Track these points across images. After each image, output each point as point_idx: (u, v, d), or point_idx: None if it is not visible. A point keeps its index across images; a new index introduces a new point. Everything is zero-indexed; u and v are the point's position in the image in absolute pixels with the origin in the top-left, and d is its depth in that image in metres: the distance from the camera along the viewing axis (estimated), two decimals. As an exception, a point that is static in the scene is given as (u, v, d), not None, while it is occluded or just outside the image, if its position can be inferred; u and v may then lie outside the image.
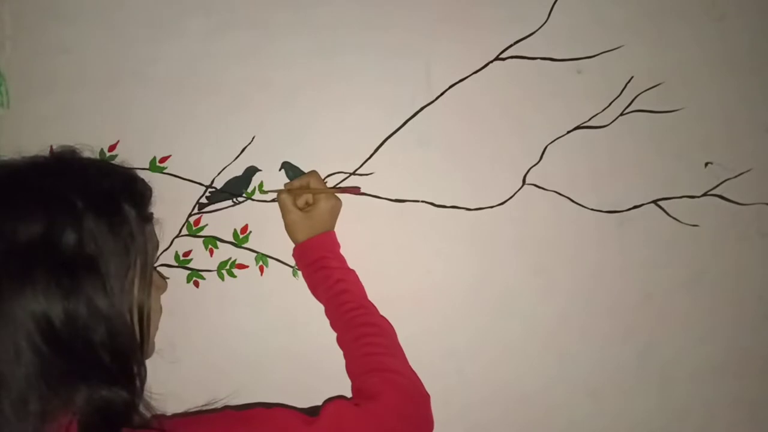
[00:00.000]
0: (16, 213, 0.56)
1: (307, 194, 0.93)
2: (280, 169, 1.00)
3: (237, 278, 0.99)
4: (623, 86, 0.99)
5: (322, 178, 0.99)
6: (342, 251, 0.96)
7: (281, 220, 0.97)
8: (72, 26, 0.99)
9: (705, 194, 1.00)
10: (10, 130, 1.00)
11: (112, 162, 0.67)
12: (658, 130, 1.00)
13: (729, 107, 1.00)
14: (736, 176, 1.00)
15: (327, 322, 1.00)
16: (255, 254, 1.00)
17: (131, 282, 0.60)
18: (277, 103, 0.99)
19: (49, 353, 0.54)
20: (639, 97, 0.99)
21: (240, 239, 0.99)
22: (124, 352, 0.59)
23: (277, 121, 0.99)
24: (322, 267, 0.90)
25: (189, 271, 0.99)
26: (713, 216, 1.00)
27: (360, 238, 0.96)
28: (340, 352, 0.99)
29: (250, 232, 1.00)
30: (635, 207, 1.00)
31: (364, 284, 0.94)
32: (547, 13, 0.98)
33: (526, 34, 0.98)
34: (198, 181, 1.00)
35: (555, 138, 0.99)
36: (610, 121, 0.99)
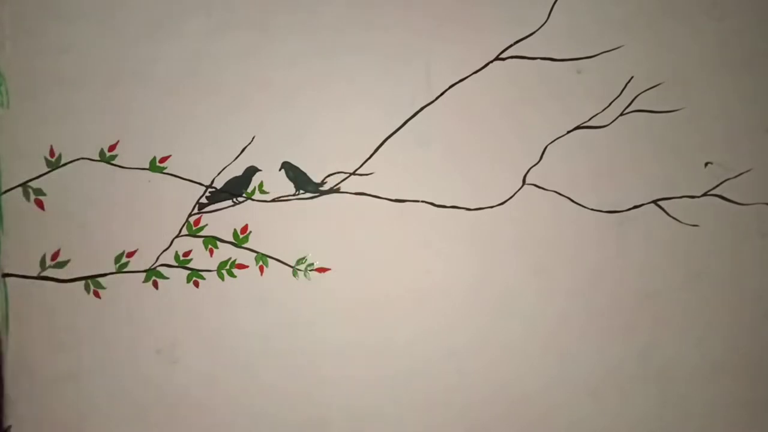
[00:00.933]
0: None
1: None
2: (280, 169, 1.00)
3: (237, 278, 0.99)
4: (623, 86, 0.99)
5: (322, 178, 0.99)
6: (342, 251, 0.96)
7: (281, 220, 0.97)
8: (72, 26, 0.99)
9: (705, 194, 1.00)
10: (10, 130, 1.00)
11: None
12: (658, 130, 1.00)
13: (729, 107, 1.00)
14: (736, 176, 1.00)
15: (327, 322, 1.00)
16: (255, 254, 1.00)
17: None
18: (277, 103, 0.99)
19: None
20: (639, 97, 0.99)
21: (240, 239, 0.99)
22: None
23: (277, 121, 0.99)
24: None
25: (189, 271, 0.99)
26: (713, 216, 1.00)
27: (360, 238, 0.96)
28: (340, 353, 1.00)
29: (250, 232, 1.00)
30: (635, 207, 1.00)
31: (363, 284, 0.94)
32: (547, 13, 0.98)
33: (526, 34, 0.98)
34: (198, 181, 1.00)
35: (555, 138, 0.99)
36: (610, 121, 0.99)
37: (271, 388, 0.99)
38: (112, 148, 0.99)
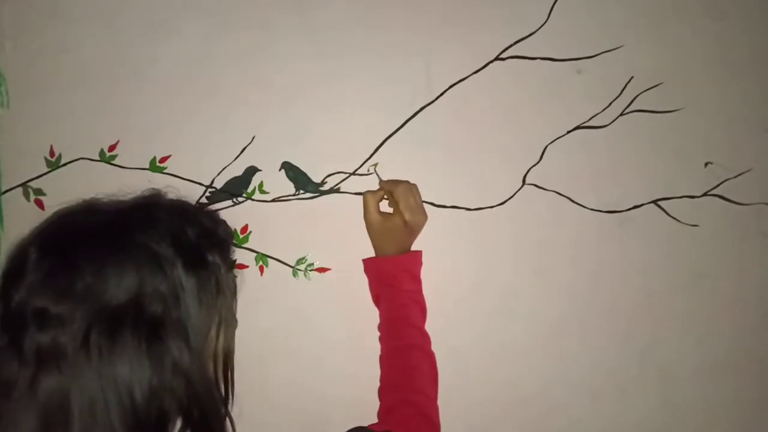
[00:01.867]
0: (105, 272, 0.53)
1: (388, 195, 0.93)
2: (280, 169, 1.00)
3: (237, 278, 0.99)
4: (623, 86, 0.99)
5: (322, 178, 0.99)
6: (342, 251, 0.96)
7: (281, 220, 0.97)
8: (72, 26, 0.99)
9: (705, 194, 1.00)
10: (10, 130, 1.00)
11: (192, 204, 0.64)
12: (658, 130, 1.00)
13: (729, 107, 1.00)
14: (736, 176, 1.00)
15: (326, 322, 1.00)
16: (255, 254, 1.00)
17: (216, 335, 0.59)
18: (277, 103, 0.99)
19: (128, 423, 0.52)
20: (639, 97, 0.99)
21: (240, 239, 0.99)
22: (204, 411, 0.56)
23: (277, 121, 0.99)
24: (392, 285, 0.90)
25: (189, 271, 0.99)
26: (713, 216, 1.00)
27: (360, 238, 0.95)
28: (340, 353, 1.00)
29: (250, 232, 1.00)
30: (635, 207, 1.00)
31: (363, 284, 0.94)
32: (547, 13, 0.98)
33: (526, 34, 0.98)
34: (198, 181, 1.00)
35: (555, 138, 0.99)
36: (610, 121, 0.99)
37: (271, 388, 0.99)
38: (112, 148, 0.99)
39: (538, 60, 0.99)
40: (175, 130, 1.00)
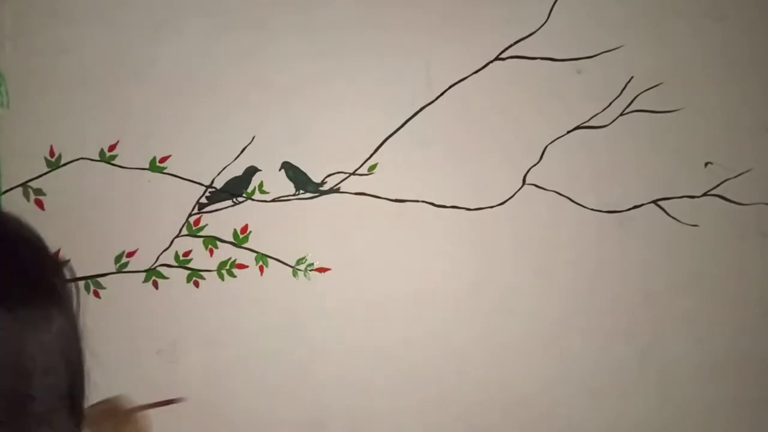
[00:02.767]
0: None
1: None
2: (280, 169, 0.99)
3: (237, 278, 0.99)
4: (623, 86, 0.99)
5: (322, 178, 0.99)
6: (342, 251, 0.96)
7: (281, 220, 0.97)
8: (72, 26, 0.99)
9: (705, 194, 1.00)
10: (10, 130, 1.00)
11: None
12: (658, 130, 1.00)
13: (729, 107, 1.00)
14: (736, 176, 1.00)
15: (326, 321, 1.00)
16: (255, 254, 1.00)
17: None
18: (277, 103, 0.99)
19: None
20: (639, 97, 0.99)
21: (240, 239, 0.99)
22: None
23: (277, 121, 0.99)
24: None
25: (189, 271, 0.99)
26: (713, 216, 1.00)
27: (360, 238, 0.95)
28: (339, 353, 1.00)
29: (250, 232, 1.00)
30: (635, 207, 1.00)
31: (363, 284, 0.94)
32: (547, 13, 0.98)
33: (526, 34, 0.98)
34: (198, 181, 1.00)
35: (555, 138, 0.99)
36: (610, 121, 0.99)
37: (271, 387, 0.99)
38: (112, 148, 0.99)
39: (538, 60, 0.99)
40: (175, 130, 0.99)
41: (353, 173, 0.99)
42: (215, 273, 0.99)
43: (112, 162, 0.99)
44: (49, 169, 1.00)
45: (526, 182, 1.00)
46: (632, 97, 0.99)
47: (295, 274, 1.00)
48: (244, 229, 1.00)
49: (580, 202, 1.00)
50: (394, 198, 0.99)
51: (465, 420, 0.99)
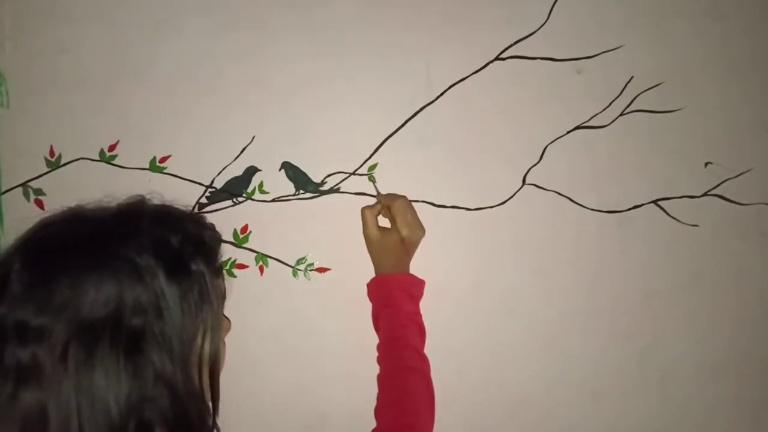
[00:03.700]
0: (84, 285, 0.52)
1: (385, 210, 0.93)
2: (280, 169, 1.00)
3: (237, 278, 0.99)
4: (623, 86, 0.99)
5: (322, 178, 0.99)
6: (342, 251, 0.96)
7: (281, 220, 0.97)
8: (72, 26, 0.99)
9: (705, 194, 1.00)
10: (10, 130, 1.00)
11: (177, 209, 0.63)
12: (658, 130, 1.00)
13: (729, 107, 1.00)
14: (736, 176, 1.00)
15: (326, 322, 1.00)
16: (255, 254, 1.00)
17: (201, 342, 0.58)
18: (277, 103, 0.99)
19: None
20: (639, 97, 0.99)
21: (240, 239, 0.99)
22: (190, 421, 0.55)
23: (277, 121, 0.99)
24: (390, 306, 0.89)
25: (189, 271, 0.99)
26: (713, 216, 1.00)
27: (360, 238, 0.95)
28: (340, 353, 1.00)
29: (250, 232, 1.00)
30: (635, 207, 1.00)
31: (363, 284, 0.94)
32: (547, 13, 0.98)
33: (526, 34, 0.98)
34: (198, 181, 1.00)
35: (555, 138, 0.99)
36: (610, 121, 0.99)
37: (271, 387, 0.99)
38: (112, 148, 0.99)
39: (538, 60, 0.99)
40: (175, 130, 1.00)
41: (353, 173, 0.99)
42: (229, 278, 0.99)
43: (112, 162, 0.99)
44: (49, 169, 1.00)
45: (526, 182, 1.00)
46: (632, 97, 0.99)
47: (295, 274, 1.00)
48: (244, 229, 1.00)
49: (580, 202, 1.00)
50: (394, 198, 0.99)
51: (465, 420, 0.99)
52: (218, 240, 0.64)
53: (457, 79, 0.99)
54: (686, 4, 0.99)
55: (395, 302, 0.89)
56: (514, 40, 0.98)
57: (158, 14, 0.99)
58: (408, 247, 0.91)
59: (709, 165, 1.00)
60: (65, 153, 1.00)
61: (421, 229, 0.92)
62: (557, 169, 0.99)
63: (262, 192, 1.00)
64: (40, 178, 1.00)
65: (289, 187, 1.00)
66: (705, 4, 0.99)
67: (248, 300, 1.00)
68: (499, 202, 1.00)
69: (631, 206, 1.00)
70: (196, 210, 1.00)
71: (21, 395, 0.51)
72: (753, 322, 1.01)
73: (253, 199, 1.00)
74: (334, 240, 0.98)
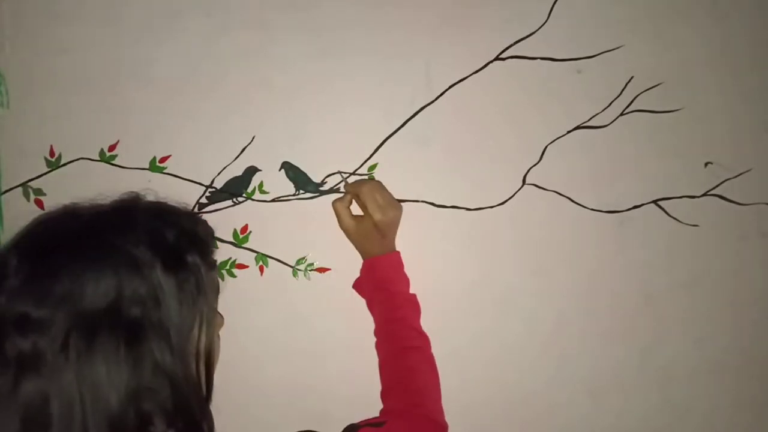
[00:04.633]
0: (83, 276, 0.54)
1: (354, 198, 0.94)
2: (280, 169, 1.00)
3: (237, 278, 0.99)
4: (623, 86, 0.99)
5: (322, 178, 0.99)
6: (342, 251, 0.96)
7: (281, 220, 0.97)
8: (72, 26, 0.99)
9: (705, 194, 1.00)
10: (10, 130, 1.00)
11: (171, 205, 0.64)
12: (658, 130, 1.00)
13: (729, 107, 1.00)
14: (736, 176, 1.00)
15: (326, 322, 1.00)
16: (255, 254, 1.00)
17: (197, 334, 0.59)
18: (277, 103, 0.99)
19: (108, 425, 0.53)
20: (639, 97, 0.99)
21: (240, 239, 0.99)
22: (189, 411, 0.57)
23: (277, 121, 0.99)
24: (385, 288, 0.91)
25: (189, 271, 0.99)
26: (713, 216, 1.00)
27: (360, 238, 0.95)
28: (339, 352, 1.00)
29: (250, 232, 1.00)
30: (635, 207, 1.00)
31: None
32: (547, 13, 0.98)
33: (526, 34, 0.98)
34: (198, 181, 1.00)
35: (555, 138, 0.99)
36: (610, 121, 0.99)
37: (271, 387, 0.99)
38: (112, 148, 0.99)
39: (538, 60, 0.99)
40: (175, 130, 1.00)
41: (353, 173, 0.99)
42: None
43: (112, 162, 0.99)
44: (49, 169, 1.00)
45: (526, 182, 1.00)
46: (632, 97, 0.99)
47: (295, 274, 1.00)
48: (244, 229, 1.00)
49: (580, 202, 1.00)
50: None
51: (465, 420, 0.99)
52: (212, 234, 0.66)
53: (457, 79, 0.99)
54: (686, 4, 0.99)
55: (388, 283, 0.91)
56: (514, 40, 0.98)
57: (158, 14, 0.99)
58: (384, 230, 0.91)
59: (709, 165, 1.00)
60: (65, 153, 1.00)
61: (395, 208, 0.92)
62: (557, 169, 0.99)
63: (262, 192, 1.00)
64: (40, 178, 1.00)
65: (289, 187, 1.00)
66: (705, 4, 0.99)
67: (248, 300, 1.00)
68: (499, 202, 1.00)
69: (631, 206, 1.00)
70: (196, 210, 1.00)
71: (23, 385, 0.52)
72: (753, 322, 1.01)
73: (253, 199, 1.00)
74: (334, 240, 0.98)
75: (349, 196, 0.94)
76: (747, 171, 1.00)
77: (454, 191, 1.00)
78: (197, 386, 0.60)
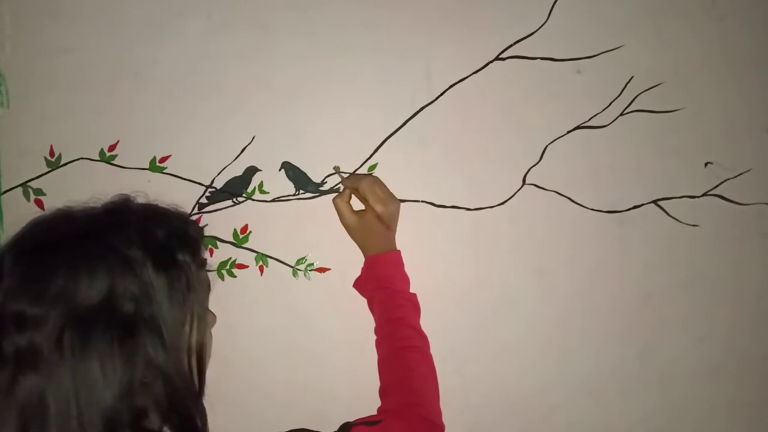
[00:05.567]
0: (77, 274, 0.55)
1: (354, 193, 0.94)
2: (280, 169, 1.00)
3: (237, 278, 0.99)
4: (623, 86, 0.99)
5: (322, 178, 0.99)
6: (342, 251, 0.96)
7: (281, 220, 0.97)
8: (72, 26, 0.99)
9: (705, 194, 1.00)
10: (10, 130, 1.00)
11: (162, 206, 0.66)
12: (658, 130, 1.00)
13: (729, 107, 1.00)
14: (736, 176, 1.00)
15: (326, 321, 1.00)
16: (255, 254, 1.00)
17: (189, 330, 0.61)
18: (277, 103, 0.99)
19: (103, 420, 0.54)
20: (639, 97, 0.99)
21: (240, 239, 0.99)
22: (183, 405, 0.59)
23: (277, 121, 0.99)
24: (386, 287, 0.91)
25: (189, 271, 0.99)
26: (713, 216, 1.00)
27: (360, 238, 0.95)
28: (339, 352, 1.00)
29: (250, 232, 1.00)
30: (635, 207, 1.00)
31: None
32: (547, 13, 0.98)
33: (526, 34, 0.98)
34: (198, 181, 1.00)
35: (555, 138, 0.99)
36: (610, 121, 0.99)
37: (271, 387, 0.99)
38: (112, 148, 0.99)
39: (538, 60, 0.99)
40: (175, 130, 1.00)
41: (353, 173, 0.99)
42: (215, 273, 0.99)
43: (112, 162, 0.99)
44: (49, 169, 1.00)
45: (526, 182, 1.00)
46: (632, 97, 0.99)
47: (295, 274, 1.00)
48: (244, 229, 1.00)
49: (580, 202, 1.00)
50: (394, 198, 0.99)
51: (465, 420, 0.99)
52: (202, 234, 0.69)
53: (457, 79, 0.99)
54: (686, 4, 0.99)
55: (389, 282, 0.91)
56: (514, 40, 0.98)
57: (158, 14, 0.99)
58: (387, 222, 0.92)
59: (709, 165, 1.00)
60: (65, 153, 1.00)
61: (395, 201, 0.93)
62: (557, 169, 0.99)
63: (262, 192, 1.00)
64: (40, 178, 1.00)
65: (289, 187, 1.00)
66: (705, 4, 0.99)
67: (248, 300, 1.00)
68: (499, 202, 1.00)
69: (631, 206, 1.00)
70: (196, 210, 1.00)
71: (20, 381, 0.53)
72: (753, 322, 1.01)
73: (253, 199, 1.00)
74: (334, 240, 0.98)
75: (348, 191, 0.94)
76: (747, 171, 1.00)
77: (454, 191, 1.00)
78: (190, 381, 0.61)
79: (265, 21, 0.99)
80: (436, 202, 1.00)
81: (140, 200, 0.66)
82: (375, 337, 0.90)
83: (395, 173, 0.99)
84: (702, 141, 1.00)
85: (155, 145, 0.99)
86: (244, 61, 0.99)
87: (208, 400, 0.63)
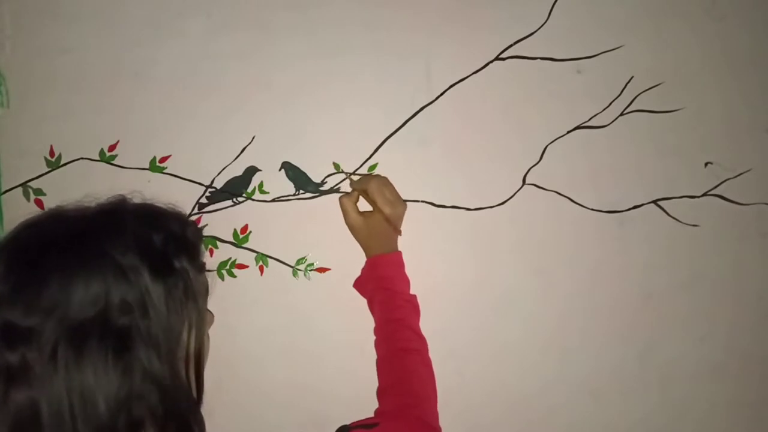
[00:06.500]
0: (71, 284, 0.53)
1: (362, 194, 0.94)
2: (280, 169, 1.00)
3: (237, 278, 0.99)
4: (623, 86, 0.99)
5: (322, 178, 0.99)
6: (342, 251, 0.96)
7: (281, 220, 0.97)
8: (72, 26, 0.99)
9: (705, 194, 1.00)
10: (10, 130, 1.00)
11: (159, 207, 0.63)
12: (658, 130, 1.00)
13: (729, 107, 1.00)
14: (736, 176, 1.00)
15: (326, 322, 1.00)
16: (255, 254, 1.00)
17: (186, 336, 0.59)
18: (277, 103, 0.99)
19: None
20: (639, 97, 0.99)
21: (240, 239, 0.99)
22: (180, 416, 0.57)
23: (277, 121, 0.99)
24: (386, 288, 0.91)
25: (189, 271, 0.99)
26: (713, 216, 1.00)
27: (360, 238, 0.95)
28: (339, 352, 1.00)
29: (250, 232, 1.00)
30: (635, 207, 1.00)
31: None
32: (547, 13, 0.98)
33: (526, 34, 0.98)
34: (198, 181, 1.00)
35: (555, 138, 0.99)
36: (610, 121, 0.99)
37: (271, 387, 0.99)
38: (112, 148, 0.99)
39: (538, 60, 0.99)
40: (175, 130, 1.00)
41: (353, 173, 0.99)
42: (215, 273, 0.99)
43: (112, 162, 0.99)
44: (49, 169, 1.00)
45: (526, 182, 1.00)
46: (632, 97, 0.99)
47: (295, 274, 1.00)
48: (244, 229, 1.00)
49: (580, 202, 1.00)
50: (394, 198, 0.99)
51: (465, 420, 0.99)
52: (200, 237, 0.65)
53: (457, 79, 0.99)
54: (686, 4, 0.99)
55: (390, 283, 0.91)
56: (514, 40, 0.98)
57: (158, 14, 0.99)
58: (396, 223, 0.92)
59: (709, 165, 1.00)
60: (65, 153, 1.00)
61: (402, 204, 0.93)
62: (557, 169, 0.99)
63: (262, 192, 1.00)
64: (40, 178, 1.00)
65: (289, 187, 1.00)
66: (705, 4, 0.99)
67: (248, 300, 1.00)
68: (499, 202, 1.00)
69: (631, 206, 1.00)
70: (196, 210, 1.00)
71: (12, 395, 0.52)
72: (753, 322, 1.01)
73: (253, 199, 1.00)
74: (334, 240, 0.98)
75: (356, 193, 0.94)
76: (747, 171, 1.00)
77: (454, 191, 1.00)
78: (187, 390, 0.59)
79: (265, 21, 0.99)
80: (436, 202, 1.00)
81: (136, 201, 0.63)
82: (374, 338, 0.90)
83: (395, 173, 0.98)
84: (702, 141, 1.00)
85: (155, 145, 0.99)
86: (244, 61, 0.99)
87: (208, 404, 0.62)
